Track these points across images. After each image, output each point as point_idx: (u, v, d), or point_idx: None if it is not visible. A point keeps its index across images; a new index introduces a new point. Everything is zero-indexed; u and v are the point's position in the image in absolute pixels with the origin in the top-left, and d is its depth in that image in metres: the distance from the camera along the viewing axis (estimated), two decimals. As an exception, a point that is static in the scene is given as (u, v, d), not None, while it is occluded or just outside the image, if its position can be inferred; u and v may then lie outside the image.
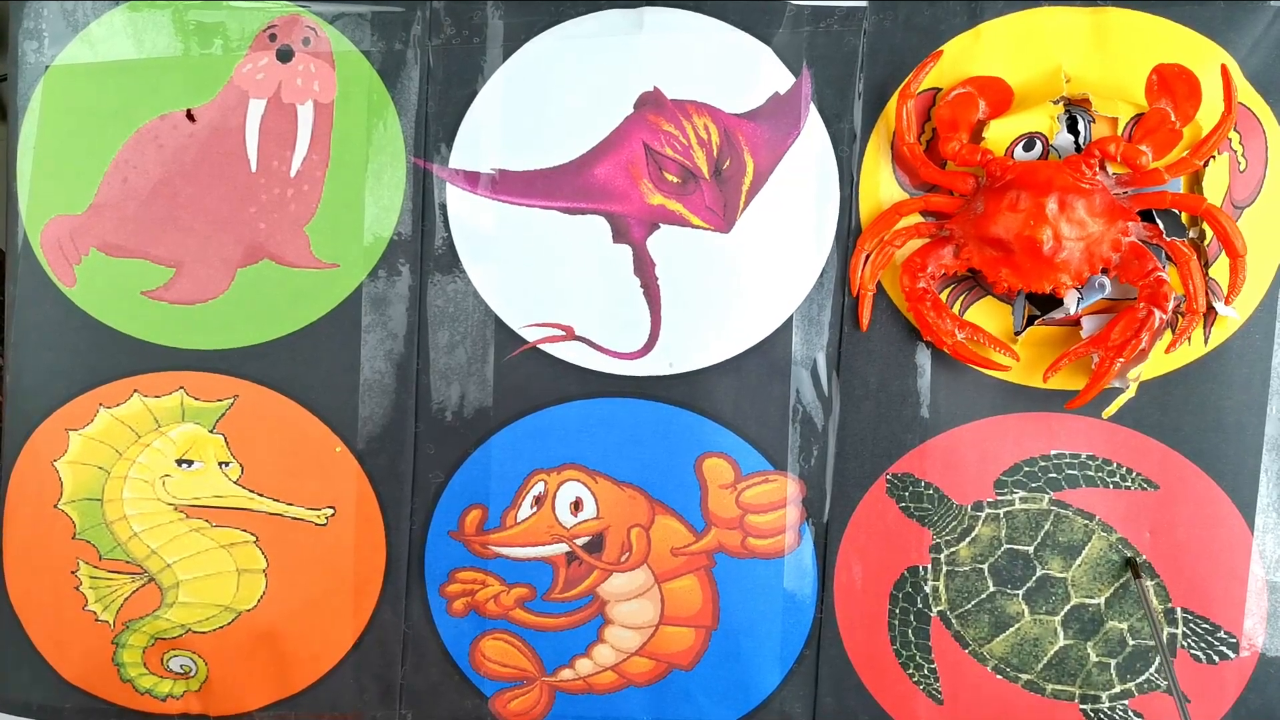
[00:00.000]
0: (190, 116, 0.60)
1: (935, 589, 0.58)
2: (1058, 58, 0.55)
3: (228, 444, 0.61)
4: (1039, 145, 0.55)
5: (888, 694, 0.59)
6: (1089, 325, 0.55)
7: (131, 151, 0.60)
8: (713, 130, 0.58)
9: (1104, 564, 0.57)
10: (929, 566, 0.58)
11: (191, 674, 0.62)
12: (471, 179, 0.59)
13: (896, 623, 0.58)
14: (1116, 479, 0.57)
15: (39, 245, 0.61)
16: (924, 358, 0.57)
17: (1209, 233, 0.53)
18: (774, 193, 0.58)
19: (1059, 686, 0.58)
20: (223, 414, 0.61)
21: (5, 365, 0.62)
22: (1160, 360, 0.55)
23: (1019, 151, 0.55)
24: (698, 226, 0.58)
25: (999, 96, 0.55)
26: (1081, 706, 0.58)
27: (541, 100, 0.59)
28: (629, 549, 0.59)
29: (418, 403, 0.60)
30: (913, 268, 0.55)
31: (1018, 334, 0.57)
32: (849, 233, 0.58)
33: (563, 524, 0.60)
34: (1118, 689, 0.57)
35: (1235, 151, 0.55)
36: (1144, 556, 0.57)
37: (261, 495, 0.61)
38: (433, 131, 0.59)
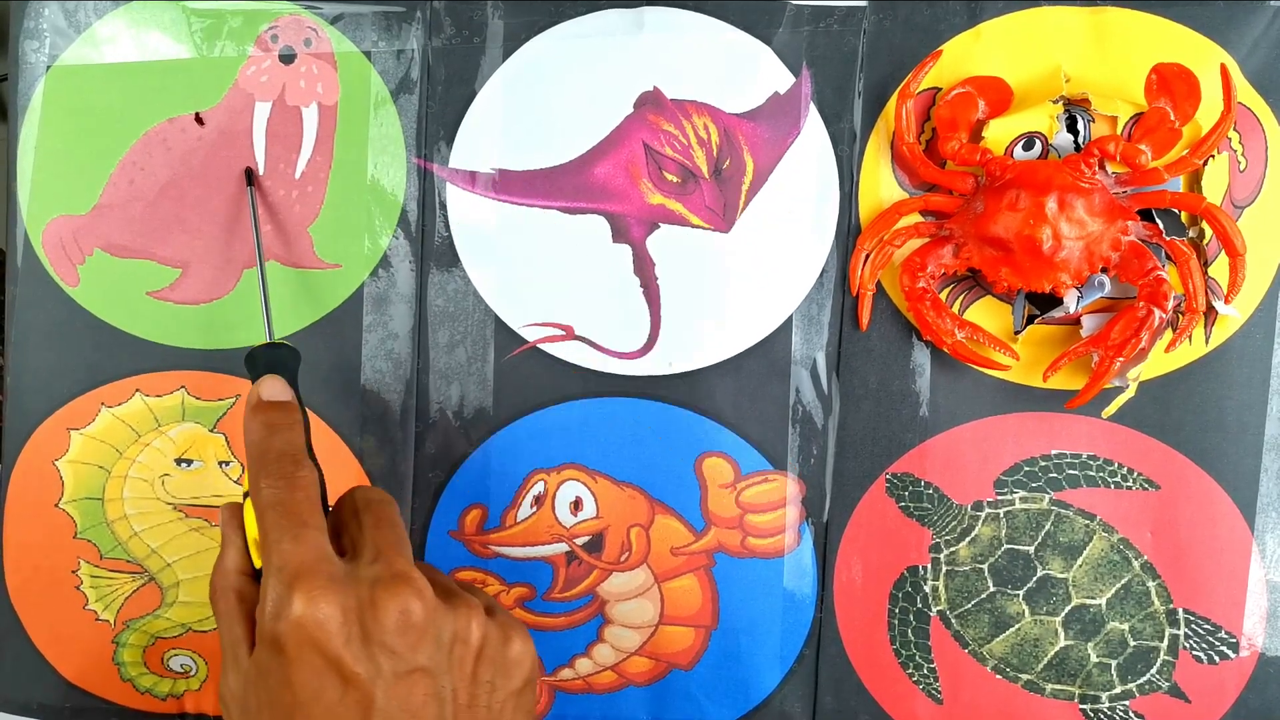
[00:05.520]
0: (199, 120, 0.60)
1: (935, 589, 0.58)
2: (1057, 57, 0.55)
3: (228, 444, 0.61)
4: (1038, 145, 0.55)
5: (887, 693, 0.58)
6: (1089, 324, 0.55)
7: (139, 154, 0.60)
8: (712, 130, 0.58)
9: (1105, 565, 0.57)
10: (929, 566, 0.58)
11: (192, 673, 0.62)
12: (471, 179, 0.59)
13: (896, 622, 0.58)
14: (1117, 479, 0.57)
15: (40, 245, 0.61)
16: (924, 357, 0.57)
17: (1208, 232, 0.53)
18: (774, 192, 0.58)
19: (1059, 686, 0.57)
20: (223, 414, 0.61)
21: (6, 365, 0.62)
22: (1160, 360, 0.55)
23: (1018, 151, 0.55)
24: (697, 226, 0.58)
25: (998, 96, 0.55)
26: (1081, 706, 0.57)
27: (541, 100, 0.59)
28: (629, 548, 0.59)
29: (418, 403, 0.60)
30: (912, 267, 0.55)
31: (1017, 333, 0.57)
32: (849, 232, 0.58)
33: (562, 524, 0.60)
34: (1118, 689, 0.57)
35: (1235, 151, 0.54)
36: (1146, 556, 0.57)
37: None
38: (433, 131, 0.59)
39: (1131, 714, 0.57)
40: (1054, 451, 0.57)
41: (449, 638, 0.39)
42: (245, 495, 0.44)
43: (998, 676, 0.58)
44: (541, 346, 0.59)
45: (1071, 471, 0.57)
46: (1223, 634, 0.56)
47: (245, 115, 0.60)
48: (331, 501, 0.44)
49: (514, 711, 0.41)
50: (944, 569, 0.58)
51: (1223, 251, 0.53)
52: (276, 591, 0.37)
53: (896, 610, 0.58)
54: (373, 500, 0.43)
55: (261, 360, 0.47)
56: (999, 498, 0.57)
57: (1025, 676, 0.58)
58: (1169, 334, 0.54)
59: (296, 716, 0.37)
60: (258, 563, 0.42)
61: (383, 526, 0.41)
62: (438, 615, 0.39)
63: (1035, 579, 0.57)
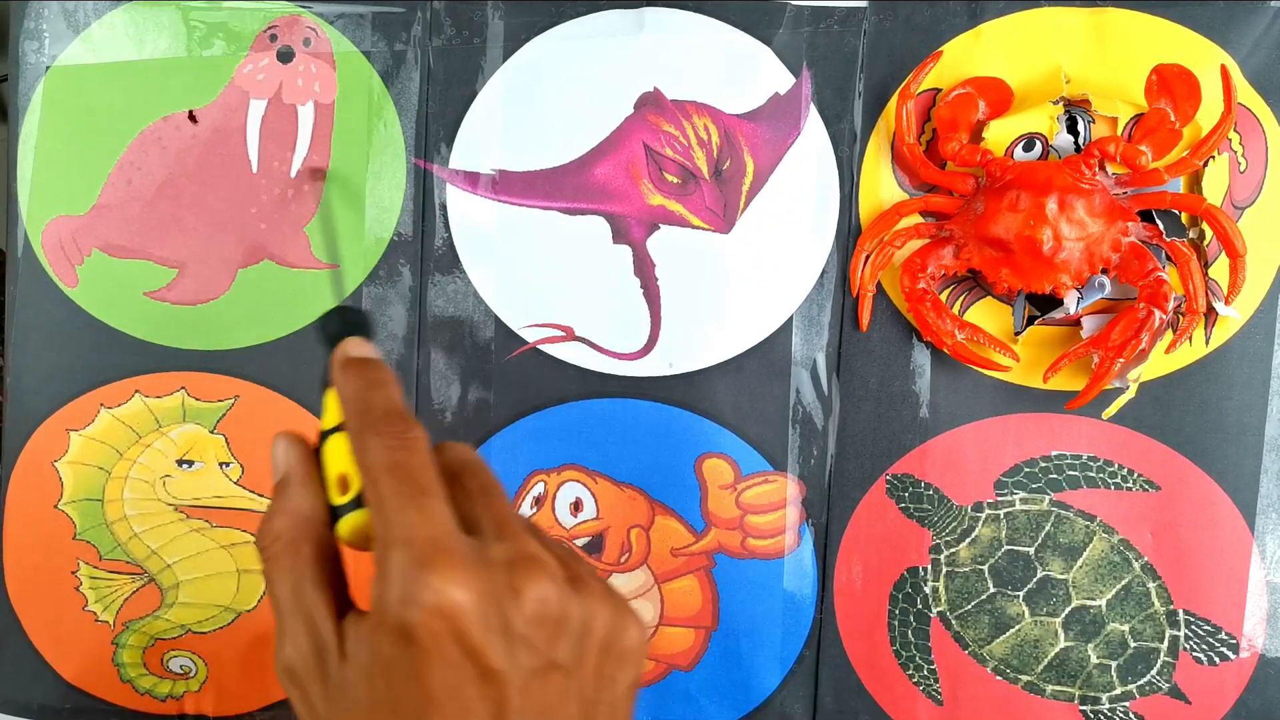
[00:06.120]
0: (192, 118, 0.60)
1: (935, 590, 0.58)
2: (1057, 58, 0.55)
3: (228, 444, 0.61)
4: (1039, 145, 0.55)
5: (887, 694, 0.58)
6: (1089, 325, 0.55)
7: (136, 153, 0.60)
8: (713, 130, 0.58)
9: (1105, 566, 0.57)
10: (929, 567, 0.58)
11: (191, 674, 0.62)
12: (471, 179, 0.59)
13: (896, 623, 0.58)
14: (1118, 480, 0.57)
15: (40, 246, 0.61)
16: (924, 358, 0.57)
17: (1209, 233, 0.53)
18: (774, 193, 0.58)
19: (1059, 688, 0.57)
20: (223, 414, 0.61)
21: (5, 365, 0.62)
22: (1161, 361, 0.55)
23: (1019, 152, 0.55)
24: (698, 227, 0.58)
25: (999, 97, 0.55)
26: (1081, 708, 0.57)
27: (541, 100, 0.59)
28: (629, 549, 0.59)
29: (418, 403, 0.60)
30: (912, 268, 0.55)
31: (1018, 334, 0.57)
32: (849, 233, 0.58)
33: (562, 525, 0.60)
34: (1118, 690, 0.57)
35: (1235, 152, 0.54)
36: (1146, 557, 0.57)
37: (262, 495, 0.61)
38: (433, 132, 0.59)
39: (1131, 715, 0.57)
40: (1054, 452, 0.57)
41: (578, 629, 0.33)
42: (323, 436, 0.38)
43: (998, 678, 0.58)
44: (541, 347, 0.59)
45: (1072, 472, 0.57)
46: (1223, 635, 0.56)
47: (239, 112, 0.60)
48: None
49: (627, 706, 0.36)
50: (944, 570, 0.58)
51: (1223, 253, 0.53)
52: (406, 572, 0.31)
53: (896, 611, 0.58)
54: (469, 462, 0.36)
55: (335, 324, 0.41)
56: (999, 499, 0.57)
57: (1025, 677, 0.58)
58: (1169, 335, 0.54)
59: (432, 717, 0.31)
60: (336, 500, 0.36)
61: (492, 494, 0.35)
62: (569, 603, 0.33)
63: (1035, 580, 0.57)
